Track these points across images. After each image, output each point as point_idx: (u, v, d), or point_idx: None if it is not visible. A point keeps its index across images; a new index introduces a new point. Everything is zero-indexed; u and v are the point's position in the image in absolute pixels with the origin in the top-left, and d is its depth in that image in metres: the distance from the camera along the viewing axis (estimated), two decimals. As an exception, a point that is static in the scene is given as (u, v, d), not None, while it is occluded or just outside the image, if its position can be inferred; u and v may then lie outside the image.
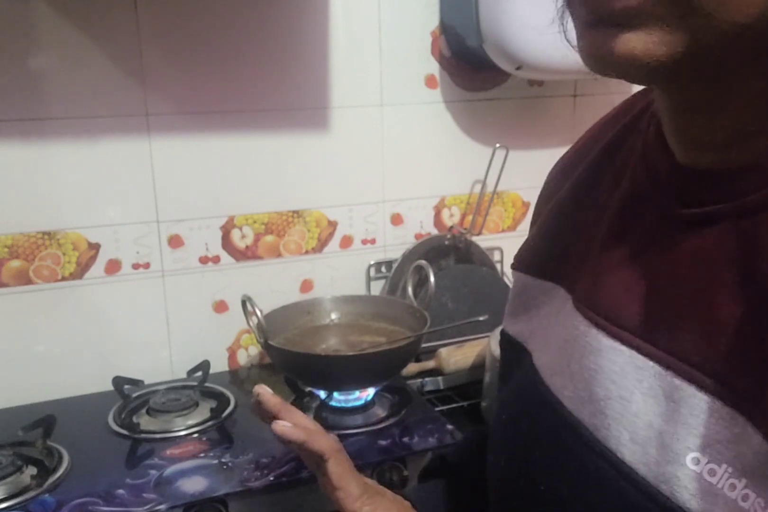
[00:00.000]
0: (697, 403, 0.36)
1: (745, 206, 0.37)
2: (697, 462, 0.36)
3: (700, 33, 0.33)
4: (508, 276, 1.27)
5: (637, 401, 0.39)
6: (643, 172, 0.45)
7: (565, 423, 0.43)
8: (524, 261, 0.55)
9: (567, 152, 0.57)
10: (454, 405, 1.10)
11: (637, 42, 0.33)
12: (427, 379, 1.13)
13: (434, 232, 1.28)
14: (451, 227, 1.28)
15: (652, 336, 0.40)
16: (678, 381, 0.37)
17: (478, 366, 1.12)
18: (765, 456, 0.33)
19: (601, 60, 0.35)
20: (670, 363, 0.38)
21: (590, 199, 0.49)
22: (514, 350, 0.53)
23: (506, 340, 0.55)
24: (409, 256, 1.22)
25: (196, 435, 0.95)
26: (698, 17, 0.32)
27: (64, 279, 1.05)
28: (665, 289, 0.40)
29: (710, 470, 0.35)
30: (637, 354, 0.40)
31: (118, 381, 1.03)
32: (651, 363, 0.39)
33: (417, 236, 1.27)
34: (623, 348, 0.41)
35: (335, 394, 1.00)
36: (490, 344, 1.04)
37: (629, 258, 0.43)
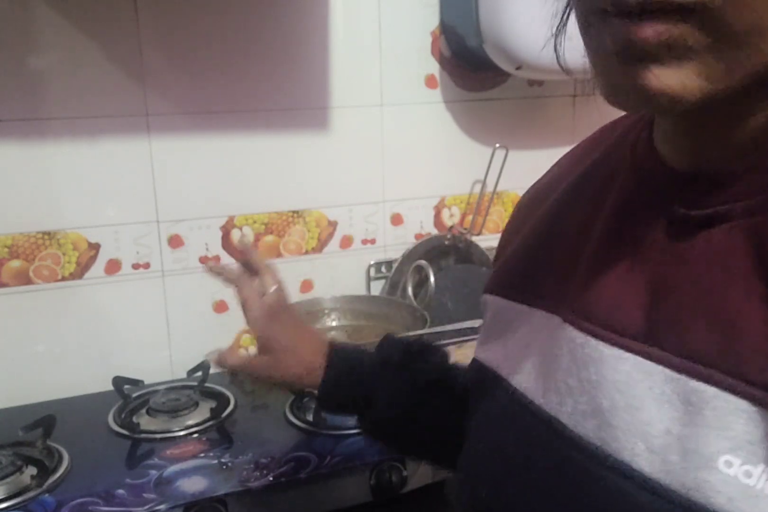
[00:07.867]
0: (722, 405, 0.35)
1: (752, 206, 0.37)
2: (730, 464, 0.34)
3: (736, 64, 0.32)
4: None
5: (648, 409, 0.38)
6: (634, 181, 0.44)
7: (566, 440, 0.42)
8: (500, 285, 0.54)
9: (534, 185, 0.57)
10: (454, 405, 1.10)
11: (671, 77, 0.32)
12: (427, 379, 1.13)
13: (434, 232, 1.27)
14: (451, 227, 1.28)
15: (658, 340, 0.38)
16: (694, 384, 0.36)
17: (478, 366, 1.12)
18: None
19: (627, 95, 0.34)
20: (682, 365, 0.37)
21: (571, 219, 0.49)
22: (482, 378, 0.52)
23: (475, 368, 0.54)
24: (409, 256, 1.22)
25: (195, 436, 0.94)
26: (738, 49, 0.31)
27: (64, 279, 1.05)
28: (672, 291, 0.39)
29: (746, 471, 0.34)
30: (643, 360, 0.39)
31: (118, 381, 1.03)
32: (660, 367, 0.38)
33: (417, 236, 1.27)
34: (627, 355, 0.40)
35: (335, 394, 0.99)
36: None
37: (629, 265, 0.42)
